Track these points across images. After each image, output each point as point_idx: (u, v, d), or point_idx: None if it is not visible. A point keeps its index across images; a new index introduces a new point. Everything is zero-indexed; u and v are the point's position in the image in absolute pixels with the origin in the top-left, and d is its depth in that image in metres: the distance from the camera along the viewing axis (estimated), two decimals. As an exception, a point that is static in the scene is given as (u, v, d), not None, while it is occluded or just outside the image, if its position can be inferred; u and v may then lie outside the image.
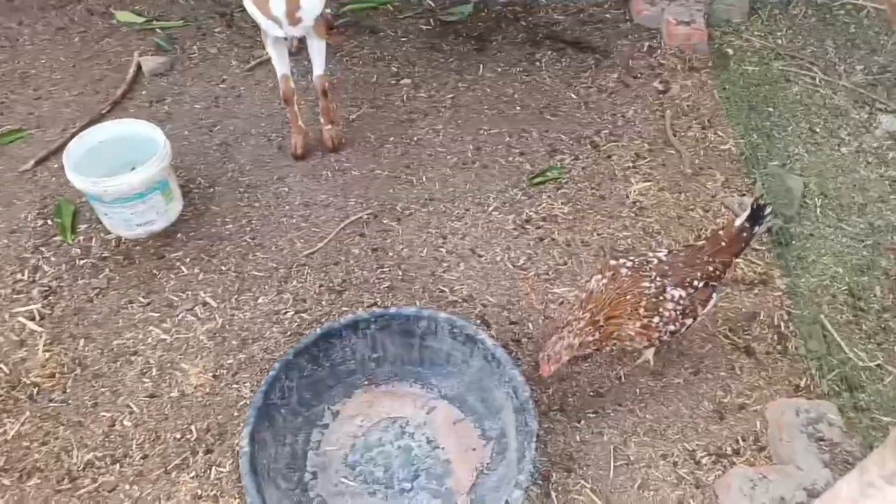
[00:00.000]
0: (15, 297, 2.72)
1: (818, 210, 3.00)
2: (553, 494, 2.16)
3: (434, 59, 3.88)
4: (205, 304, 2.71)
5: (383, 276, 2.82)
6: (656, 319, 2.18)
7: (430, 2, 4.25)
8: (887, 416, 2.31)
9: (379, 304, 2.69)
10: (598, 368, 2.49)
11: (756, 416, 2.34)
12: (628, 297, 2.17)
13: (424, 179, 3.25)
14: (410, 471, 2.20)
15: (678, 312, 2.19)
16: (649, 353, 2.44)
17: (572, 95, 3.69)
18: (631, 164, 3.29)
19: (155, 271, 2.83)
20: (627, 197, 3.13)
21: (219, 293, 2.75)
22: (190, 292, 2.74)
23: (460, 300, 2.73)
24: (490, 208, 3.10)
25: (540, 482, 2.18)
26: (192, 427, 2.32)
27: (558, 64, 3.87)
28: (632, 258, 2.29)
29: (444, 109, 3.62)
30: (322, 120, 3.31)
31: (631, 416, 2.36)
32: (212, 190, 3.19)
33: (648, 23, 4.03)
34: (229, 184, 3.22)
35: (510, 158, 3.35)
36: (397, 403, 2.38)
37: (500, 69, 3.84)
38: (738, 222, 2.27)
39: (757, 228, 2.26)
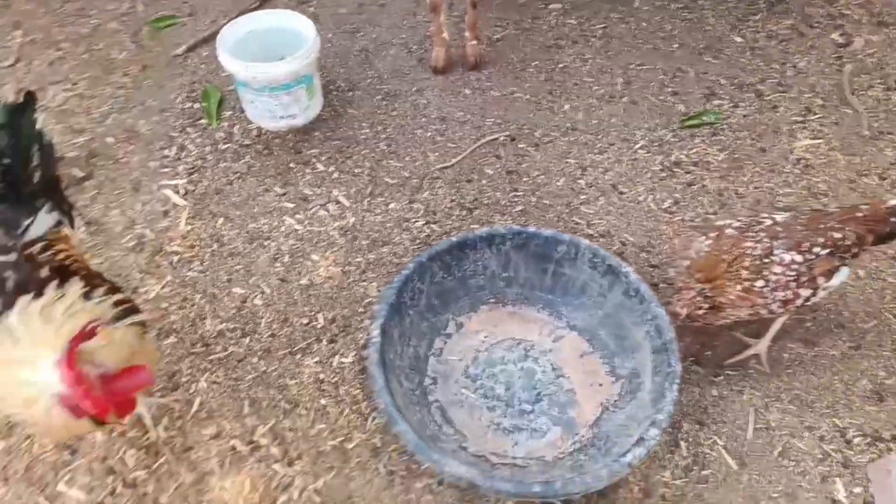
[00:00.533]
0: (162, 170, 2.81)
1: None
2: (682, 444, 2.03)
3: (588, -16, 3.64)
4: (337, 202, 2.70)
5: (516, 199, 2.71)
6: (760, 283, 1.96)
7: (589, -74, 3.96)
8: None
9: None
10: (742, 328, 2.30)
11: (919, 401, 2.09)
12: (726, 257, 1.97)
13: (567, 108, 3.07)
14: (532, 394, 2.13)
15: (790, 279, 1.95)
16: (762, 347, 2.17)
17: (737, 39, 3.37)
18: (799, 119, 2.97)
19: (292, 164, 2.84)
20: (791, 152, 2.84)
21: (352, 193, 2.73)
22: (324, 189, 2.74)
23: (597, 235, 2.58)
24: (636, 146, 2.90)
25: (670, 429, 2.04)
26: (319, 315, 2.34)
27: (725, 3, 3.55)
28: (741, 219, 2.09)
29: (593, 39, 3.40)
30: (468, 34, 3.18)
31: (776, 380, 2.16)
32: (350, 94, 3.16)
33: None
34: (368, 90, 3.17)
35: (662, 97, 3.12)
36: (523, 327, 2.30)
37: (658, 2, 3.56)
38: (891, 202, 2.02)
39: None
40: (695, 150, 2.87)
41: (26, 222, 1.73)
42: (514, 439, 2.03)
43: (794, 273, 1.95)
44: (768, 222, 2.04)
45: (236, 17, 3.33)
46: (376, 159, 2.86)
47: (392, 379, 1.96)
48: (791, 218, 2.05)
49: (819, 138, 2.88)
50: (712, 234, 2.05)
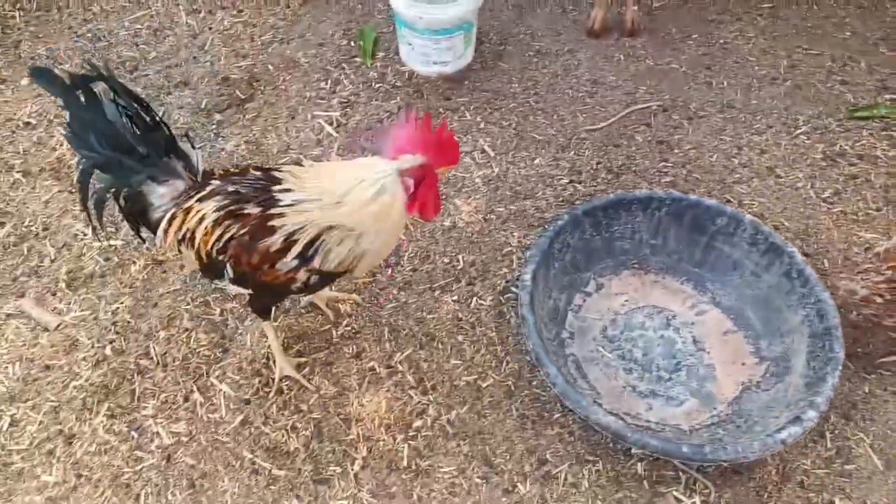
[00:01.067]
0: (318, 101, 2.92)
1: None
2: (828, 435, 1.95)
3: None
4: (483, 151, 2.72)
5: (666, 169, 2.64)
6: None
7: None
8: None
9: (658, 195, 2.53)
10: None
11: None
12: None
13: (725, 84, 2.96)
14: (671, 362, 2.10)
15: None
16: None
17: (921, 31, 3.13)
18: None
19: (441, 110, 2.88)
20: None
21: (497, 145, 2.74)
22: (471, 137, 2.77)
23: (750, 214, 2.48)
24: (798, 131, 2.76)
25: (824, 416, 1.96)
26: (459, 257, 2.38)
27: (909, -7, 3.29)
28: None
29: (759, 18, 3.24)
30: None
31: (939, 386, 2.04)
32: (502, 48, 3.16)
33: None
34: (519, 45, 3.16)
35: (829, 84, 2.94)
36: (666, 296, 2.25)
37: (833, -14, 3.34)
38: None
39: None
40: (861, 143, 2.70)
41: (195, 161, 1.81)
42: (648, 403, 2.01)
43: None
44: None
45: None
46: (524, 114, 2.86)
47: (538, 324, 1.98)
48: None
49: None
50: None
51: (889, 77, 2.95)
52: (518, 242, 2.41)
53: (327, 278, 1.74)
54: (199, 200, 1.72)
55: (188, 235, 1.74)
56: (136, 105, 1.70)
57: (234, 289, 1.85)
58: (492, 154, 2.71)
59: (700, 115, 2.84)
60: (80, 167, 1.76)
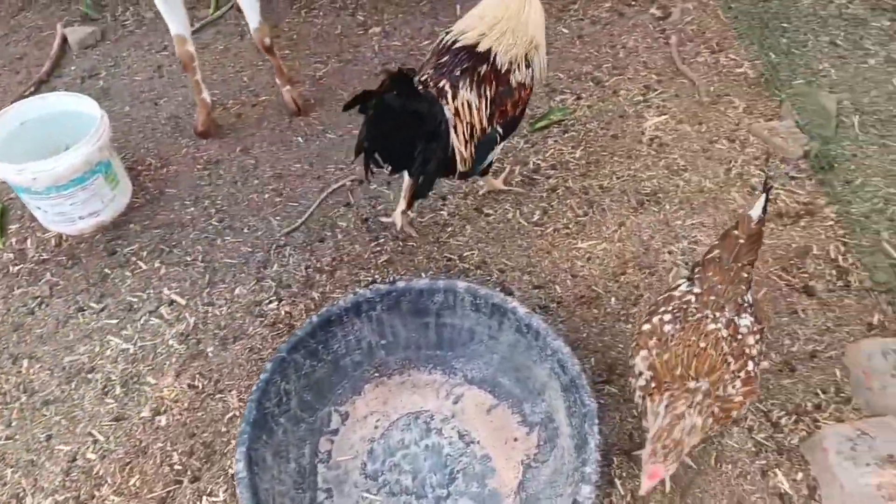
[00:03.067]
0: (-64, 318, 2.25)
1: (857, 128, 2.68)
2: (617, 482, 1.81)
3: (404, 3, 3.44)
4: (171, 302, 2.27)
5: (379, 249, 2.42)
6: (751, 365, 1.59)
7: (390, -58, 3.78)
8: (980, 345, 2.01)
9: (379, 280, 2.29)
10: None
11: (832, 363, 2.02)
12: (710, 350, 1.58)
13: (411, 135, 2.83)
14: (444, 474, 1.83)
15: (758, 341, 1.64)
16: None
17: (563, 30, 3.30)
18: (641, 98, 2.92)
19: (107, 270, 2.37)
20: (643, 133, 2.77)
21: (186, 288, 2.31)
22: (152, 291, 2.30)
23: (473, 267, 2.35)
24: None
25: (602, 467, 1.82)
26: (173, 452, 1.91)
27: (543, -2, 3.47)
28: (660, 310, 1.72)
29: (422, 58, 3.19)
30: (278, 81, 2.85)
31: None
32: (165, 170, 2.73)
33: (636, -56, 3.63)
34: (185, 161, 2.76)
35: (505, 104, 2.95)
36: (417, 395, 2.00)
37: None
38: (754, 214, 1.79)
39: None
40: (550, 153, 2.72)
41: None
42: (436, 536, 1.73)
43: (758, 335, 1.65)
44: (692, 298, 1.70)
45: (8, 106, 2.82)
46: (209, 240, 2.46)
47: (273, 514, 1.59)
48: (705, 282, 1.73)
49: (665, 114, 2.83)
50: (651, 342, 1.65)
51: (552, 79, 3.04)
52: (240, 402, 2.00)
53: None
54: (454, 98, 2.00)
55: (469, 131, 2.03)
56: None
57: (499, 147, 2.21)
58: (182, 302, 2.27)
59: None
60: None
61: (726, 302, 1.68)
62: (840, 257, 2.30)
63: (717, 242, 1.84)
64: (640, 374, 1.65)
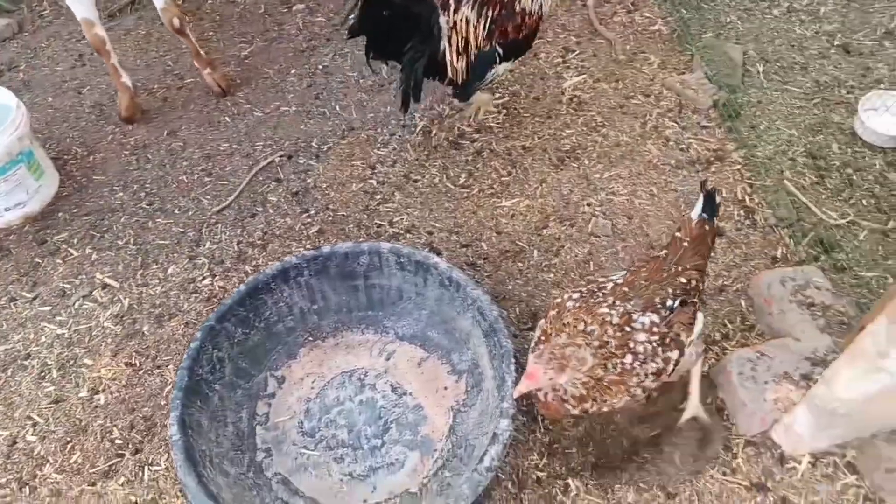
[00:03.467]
0: None
1: (761, 76, 2.82)
2: (539, 419, 1.92)
3: (327, -22, 3.45)
4: (104, 286, 2.30)
5: (309, 220, 2.47)
6: (629, 359, 1.60)
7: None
8: (870, 271, 2.18)
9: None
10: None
11: (738, 295, 2.16)
12: (584, 335, 1.59)
13: (338, 108, 2.88)
14: (379, 425, 1.92)
15: (655, 344, 1.63)
16: (695, 405, 1.84)
17: None
18: (561, 60, 3.01)
19: (38, 260, 2.38)
20: (563, 94, 2.86)
21: (119, 271, 2.34)
22: (84, 276, 2.32)
23: (403, 231, 2.42)
24: (418, 128, 2.78)
25: (524, 406, 1.94)
26: (114, 428, 1.95)
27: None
28: (582, 287, 1.75)
29: (345, 32, 3.22)
30: (196, 64, 2.84)
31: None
32: (92, 158, 2.72)
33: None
34: (112, 148, 2.76)
35: (428, 73, 3.01)
36: (351, 355, 2.08)
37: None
38: (693, 216, 1.79)
39: (716, 220, 1.79)
40: (473, 116, 2.80)
41: None
42: (372, 483, 1.81)
43: (657, 337, 1.63)
44: (610, 286, 1.72)
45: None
46: (140, 223, 2.48)
47: (212, 474, 1.66)
48: (631, 275, 1.74)
49: (583, 73, 2.93)
50: (552, 312, 1.69)
51: (476, 47, 3.10)
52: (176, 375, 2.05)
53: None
54: (455, 12, 2.21)
55: (463, 44, 2.24)
56: None
57: (502, 68, 2.42)
58: (116, 285, 2.30)
59: (326, 149, 2.72)
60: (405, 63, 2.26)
61: (637, 296, 1.67)
62: (747, 198, 2.44)
63: (666, 245, 1.81)
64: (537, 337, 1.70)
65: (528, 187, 2.53)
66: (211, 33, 3.19)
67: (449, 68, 2.31)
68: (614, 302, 1.66)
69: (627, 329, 1.62)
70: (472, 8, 2.25)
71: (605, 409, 1.64)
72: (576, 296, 1.71)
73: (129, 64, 3.10)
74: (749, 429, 1.85)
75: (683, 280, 1.72)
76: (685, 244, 1.76)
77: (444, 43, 2.26)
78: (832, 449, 1.80)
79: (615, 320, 1.62)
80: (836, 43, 2.92)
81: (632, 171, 2.54)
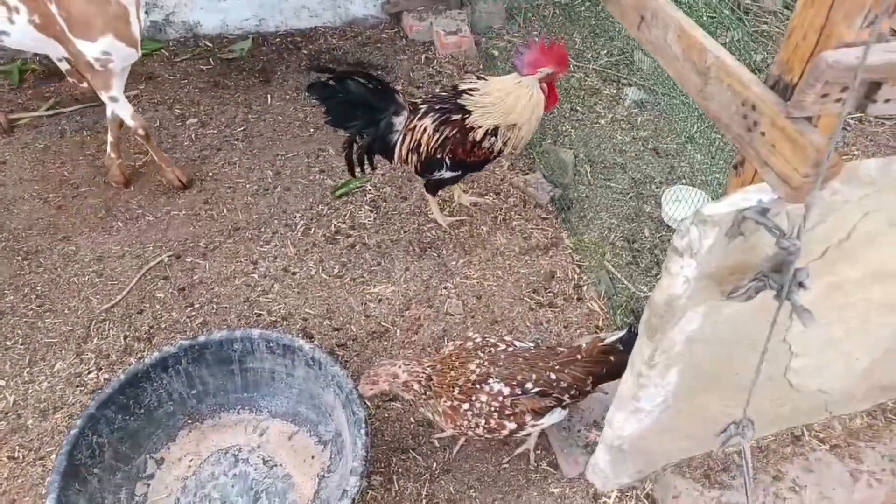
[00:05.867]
0: None
1: (589, 175, 3.38)
2: (394, 478, 2.20)
3: (219, 95, 3.85)
4: (-10, 386, 2.43)
5: (194, 313, 2.72)
6: (465, 406, 1.95)
7: (206, 42, 4.21)
8: (669, 332, 2.65)
9: (194, 341, 2.58)
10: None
11: (566, 359, 2.57)
12: (453, 372, 1.99)
13: (226, 211, 3.19)
14: (250, 496, 2.13)
15: (493, 409, 1.95)
16: (531, 444, 2.24)
17: (363, 111, 3.84)
18: (426, 164, 3.48)
19: (-78, 365, 2.49)
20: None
21: (6, 370, 2.48)
22: (-30, 379, 2.45)
23: (280, 319, 2.71)
24: (298, 227, 3.12)
25: (382, 469, 2.21)
26: (-9, 520, 2.06)
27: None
28: (488, 337, 2.10)
29: (236, 142, 3.59)
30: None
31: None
32: (-17, 265, 2.89)
33: (421, 37, 4.32)
34: (4, 254, 2.93)
35: (311, 177, 3.41)
36: (228, 434, 2.30)
37: (288, 96, 3.89)
38: (607, 340, 2.07)
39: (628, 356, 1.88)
40: (349, 215, 3.19)
41: (402, 100, 2.78)
42: (241, 551, 2.01)
43: (498, 405, 1.94)
44: (501, 347, 2.04)
45: None
46: (29, 324, 2.65)
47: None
48: (522, 350, 2.04)
49: (444, 176, 3.41)
50: (458, 342, 2.09)
51: (353, 154, 3.54)
52: (59, 464, 2.19)
53: (500, 153, 2.75)
54: (419, 119, 2.70)
55: (415, 145, 2.71)
56: (363, 78, 2.64)
57: (448, 174, 2.79)
58: (3, 383, 2.44)
59: (212, 248, 3.00)
60: (348, 135, 2.79)
61: (507, 367, 1.98)
62: (576, 277, 2.91)
63: (568, 346, 2.11)
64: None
65: (394, 275, 2.90)
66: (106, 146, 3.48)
67: (397, 154, 2.77)
68: (486, 361, 2.00)
69: (478, 385, 1.96)
70: (433, 122, 2.67)
71: (435, 420, 2.05)
72: (479, 340, 2.08)
73: (26, 175, 3.32)
74: (569, 471, 2.20)
75: (553, 377, 1.98)
76: (578, 357, 2.03)
77: (399, 137, 2.72)
78: (635, 483, 2.17)
79: (472, 376, 1.97)
80: (648, 146, 3.56)
81: (482, 258, 2.98)
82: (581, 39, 4.35)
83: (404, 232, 3.11)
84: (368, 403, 2.27)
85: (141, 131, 3.01)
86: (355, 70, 2.76)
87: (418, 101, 2.77)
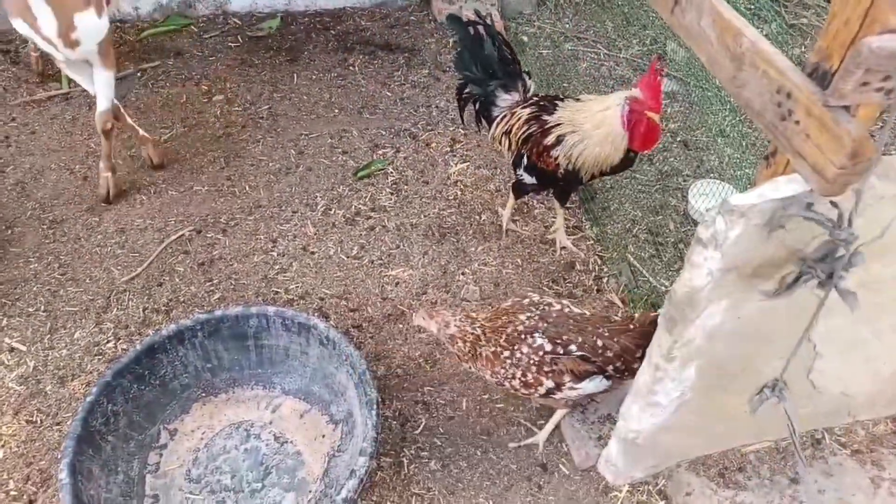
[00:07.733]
0: None
1: (615, 165, 3.32)
2: (404, 461, 2.19)
3: (245, 73, 3.85)
4: (12, 349, 2.47)
5: (213, 288, 2.74)
6: (506, 354, 1.98)
7: (235, 20, 4.21)
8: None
9: (211, 315, 2.60)
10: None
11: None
12: (504, 317, 2.02)
13: (248, 188, 3.20)
14: (260, 471, 2.14)
15: (532, 363, 1.97)
16: (542, 436, 2.24)
17: (387, 93, 3.82)
18: (448, 149, 3.45)
19: (-52, 329, 2.54)
20: (449, 178, 3.28)
21: (28, 336, 2.52)
22: (-8, 342, 2.49)
23: (297, 298, 2.71)
24: (319, 207, 3.12)
25: (393, 452, 2.21)
26: (10, 480, 2.10)
27: (371, 66, 3.99)
28: (546, 297, 2.12)
29: (261, 120, 3.59)
30: (101, 164, 3.02)
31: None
32: (10, 231, 2.93)
33: (450, 21, 4.27)
34: (30, 223, 2.97)
35: (334, 158, 3.40)
36: (241, 409, 2.31)
37: (314, 76, 3.88)
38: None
39: None
40: (370, 197, 3.17)
41: (529, 87, 2.82)
42: (250, 523, 2.03)
43: (538, 359, 1.95)
44: (557, 307, 2.05)
45: None
46: (52, 291, 2.69)
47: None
48: (579, 314, 2.05)
49: (466, 161, 3.37)
50: (516, 298, 2.12)
51: (376, 136, 3.52)
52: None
53: (572, 178, 2.58)
54: (521, 108, 2.69)
55: (508, 129, 2.71)
56: (504, 46, 2.75)
57: (526, 177, 2.73)
58: (23, 348, 2.48)
59: (233, 225, 3.01)
60: (460, 82, 2.87)
61: (555, 325, 1.97)
62: (597, 268, 2.86)
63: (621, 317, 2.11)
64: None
65: (412, 258, 2.89)
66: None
67: (492, 133, 2.81)
68: (536, 315, 2.02)
69: (523, 336, 1.98)
70: (529, 114, 2.64)
71: (480, 374, 2.09)
72: (536, 298, 2.09)
73: (54, 145, 3.36)
74: (581, 463, 2.18)
75: (599, 343, 1.95)
76: (631, 326, 2.00)
77: (500, 114, 2.77)
78: (647, 478, 2.14)
79: (520, 326, 1.99)
80: (678, 139, 3.47)
81: (501, 245, 2.94)
82: (613, 27, 4.26)
83: (424, 216, 3.08)
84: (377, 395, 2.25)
85: (108, 125, 2.90)
86: (500, 33, 2.81)
87: (536, 96, 2.75)
